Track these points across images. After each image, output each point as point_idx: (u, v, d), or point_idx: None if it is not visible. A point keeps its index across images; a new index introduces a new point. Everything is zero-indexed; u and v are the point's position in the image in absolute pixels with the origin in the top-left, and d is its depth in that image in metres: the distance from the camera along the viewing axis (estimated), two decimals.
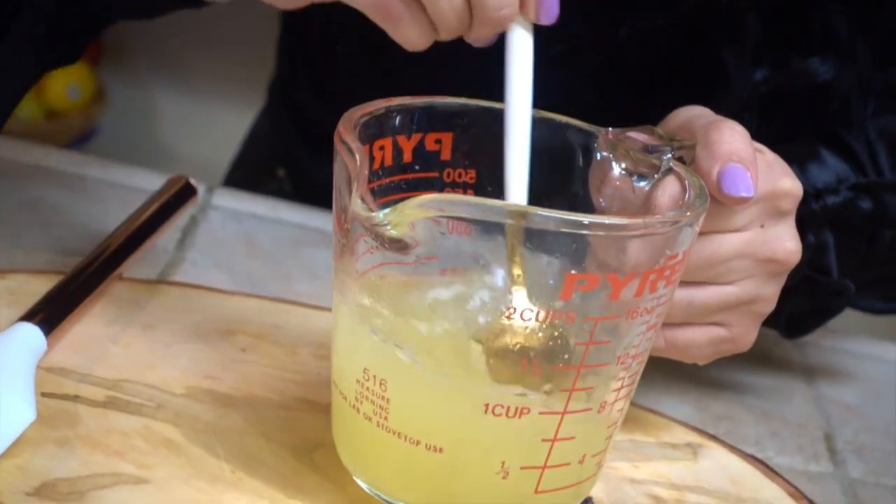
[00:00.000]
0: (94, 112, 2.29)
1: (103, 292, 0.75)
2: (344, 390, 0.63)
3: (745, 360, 0.86)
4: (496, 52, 0.66)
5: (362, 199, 0.58)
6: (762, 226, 0.71)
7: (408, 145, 0.67)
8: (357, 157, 0.60)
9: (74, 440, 0.64)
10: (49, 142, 1.40)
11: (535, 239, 0.60)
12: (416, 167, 0.67)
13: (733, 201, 0.68)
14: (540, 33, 0.66)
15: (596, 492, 0.67)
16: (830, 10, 0.84)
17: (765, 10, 0.84)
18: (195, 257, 0.87)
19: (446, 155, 0.68)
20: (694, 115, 0.72)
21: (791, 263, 0.72)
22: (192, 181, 0.85)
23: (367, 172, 0.59)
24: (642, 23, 0.86)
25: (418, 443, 0.61)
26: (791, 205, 0.72)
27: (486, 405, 0.59)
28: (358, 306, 0.62)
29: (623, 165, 0.68)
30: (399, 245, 0.59)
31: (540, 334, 0.60)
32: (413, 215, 0.57)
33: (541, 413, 0.60)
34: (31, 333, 0.68)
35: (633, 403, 0.74)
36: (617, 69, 0.88)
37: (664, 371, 0.84)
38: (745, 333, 0.73)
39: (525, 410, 0.60)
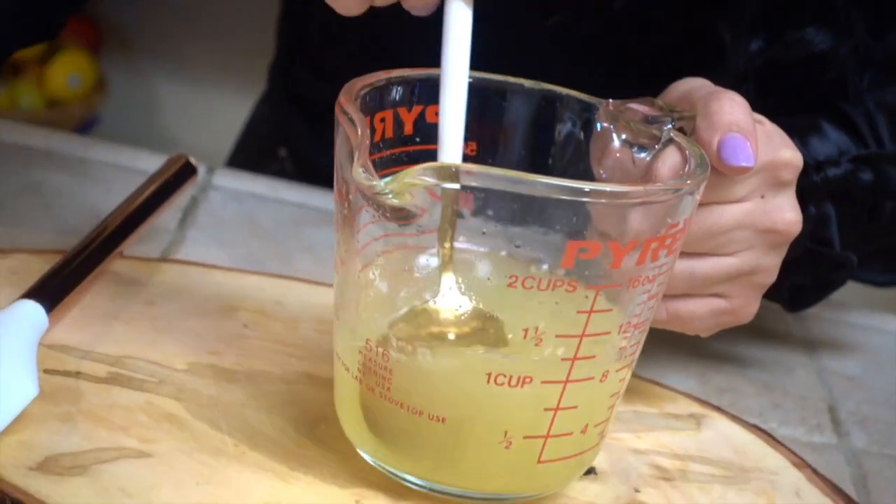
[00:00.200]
0: (95, 101, 2.29)
1: (105, 270, 0.75)
2: (347, 362, 0.63)
3: (747, 333, 0.86)
4: (501, 28, 0.66)
5: (364, 169, 0.58)
6: (762, 196, 0.71)
7: (408, 117, 0.67)
8: (358, 127, 0.60)
9: (77, 416, 0.64)
10: None
11: (536, 208, 0.60)
12: (417, 139, 0.67)
13: (733, 171, 0.68)
14: (536, 5, 0.66)
15: (599, 462, 0.67)
16: None
17: None
18: (196, 237, 0.87)
19: None
20: (694, 86, 0.72)
21: (791, 234, 0.72)
22: (192, 160, 0.85)
23: (368, 142, 0.59)
24: None
25: (421, 413, 0.61)
26: (791, 175, 0.72)
27: (489, 374, 0.60)
28: (360, 277, 0.62)
29: (623, 137, 0.68)
30: (400, 214, 0.59)
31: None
32: (415, 184, 0.57)
33: (543, 382, 0.60)
34: (33, 310, 0.68)
35: (636, 375, 0.74)
36: (613, 41, 0.88)
37: (667, 345, 0.84)
38: (746, 305, 0.73)
39: (527, 380, 0.60)
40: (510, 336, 0.61)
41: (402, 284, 0.63)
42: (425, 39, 0.70)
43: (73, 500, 0.58)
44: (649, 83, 0.74)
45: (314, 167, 1.06)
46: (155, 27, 2.23)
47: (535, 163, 0.69)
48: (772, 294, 0.75)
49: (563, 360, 0.60)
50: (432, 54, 0.67)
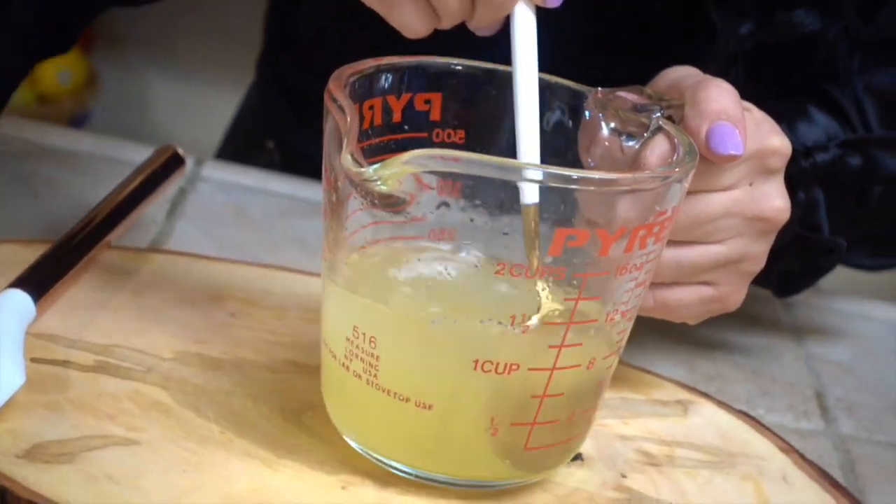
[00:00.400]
0: (86, 97, 2.29)
1: (92, 260, 0.75)
2: (334, 349, 0.63)
3: (735, 320, 0.86)
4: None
5: (352, 156, 0.58)
6: (751, 184, 0.71)
7: (397, 105, 0.66)
8: (347, 114, 0.60)
9: (65, 404, 0.64)
10: None
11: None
12: (406, 127, 0.67)
13: (722, 159, 0.68)
14: None
15: (586, 448, 0.67)
16: None
17: None
18: (184, 228, 0.87)
19: (435, 115, 0.68)
20: (682, 74, 0.72)
21: (780, 221, 0.72)
22: (180, 150, 0.85)
23: (357, 129, 0.59)
24: None
25: (408, 400, 0.61)
26: (780, 163, 0.72)
27: (476, 361, 0.60)
28: (347, 265, 0.62)
29: (612, 125, 0.68)
30: (389, 201, 0.58)
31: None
32: (404, 170, 0.57)
33: (530, 369, 0.60)
34: (20, 299, 0.68)
35: (623, 363, 0.74)
36: (603, 25, 0.88)
37: (655, 332, 0.84)
38: (734, 292, 0.73)
39: (514, 367, 0.60)
40: (499, 323, 0.60)
41: (390, 271, 0.63)
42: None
43: (60, 487, 0.58)
44: (639, 68, 0.74)
45: (302, 159, 1.06)
46: (145, 23, 2.23)
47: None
48: (761, 280, 0.75)
49: (549, 347, 0.60)
50: (418, 47, 0.67)
